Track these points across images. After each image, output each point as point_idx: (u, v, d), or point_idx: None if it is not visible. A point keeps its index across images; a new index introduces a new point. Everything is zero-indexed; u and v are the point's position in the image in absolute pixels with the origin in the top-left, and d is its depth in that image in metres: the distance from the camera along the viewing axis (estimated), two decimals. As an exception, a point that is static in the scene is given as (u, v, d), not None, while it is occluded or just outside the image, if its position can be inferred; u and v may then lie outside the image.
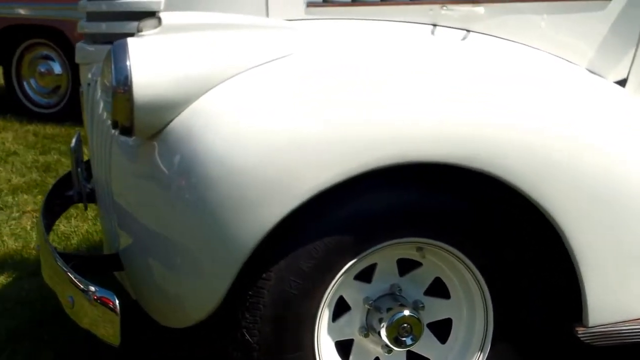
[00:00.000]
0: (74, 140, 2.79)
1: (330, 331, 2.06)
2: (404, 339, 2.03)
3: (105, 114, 2.28)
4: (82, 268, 2.16)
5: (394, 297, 2.07)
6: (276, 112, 1.84)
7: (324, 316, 2.01)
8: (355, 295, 2.07)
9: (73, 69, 6.76)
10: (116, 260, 2.22)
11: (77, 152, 2.75)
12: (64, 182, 2.95)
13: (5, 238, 3.96)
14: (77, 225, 4.14)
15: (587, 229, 1.94)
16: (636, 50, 2.17)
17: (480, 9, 2.22)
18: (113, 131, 2.17)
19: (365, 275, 2.06)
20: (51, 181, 5.03)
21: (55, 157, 5.69)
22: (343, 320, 2.08)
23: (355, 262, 1.95)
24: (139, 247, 2.06)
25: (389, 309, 2.03)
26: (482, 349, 2.11)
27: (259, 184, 1.80)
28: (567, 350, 2.13)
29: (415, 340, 2.04)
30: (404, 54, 2.05)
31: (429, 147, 1.82)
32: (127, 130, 1.92)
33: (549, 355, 2.11)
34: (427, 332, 2.10)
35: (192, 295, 1.93)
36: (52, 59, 6.93)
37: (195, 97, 1.90)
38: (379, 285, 2.08)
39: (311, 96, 1.87)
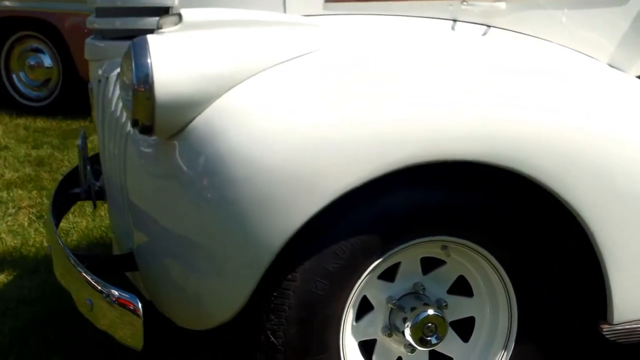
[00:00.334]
0: (80, 138, 2.74)
1: (354, 331, 2.04)
2: (428, 338, 2.01)
3: (118, 112, 2.23)
4: (96, 268, 2.11)
5: (418, 296, 2.04)
6: (302, 110, 1.80)
7: (349, 317, 1.99)
8: (378, 294, 2.04)
9: (63, 62, 6.68)
10: (130, 260, 2.18)
11: (84, 149, 2.70)
12: (68, 179, 2.90)
13: (2, 235, 3.90)
14: (76, 222, 4.08)
15: (613, 226, 1.93)
16: (657, 45, 2.16)
17: (501, 4, 2.19)
18: (128, 129, 2.13)
19: (388, 274, 2.03)
20: (45, 176, 4.98)
21: (48, 151, 5.61)
22: (366, 320, 2.05)
23: (380, 261, 1.92)
24: (158, 247, 2.02)
25: (413, 308, 2.00)
26: (505, 348, 2.09)
27: (285, 184, 1.76)
28: (590, 348, 2.11)
29: (440, 339, 2.02)
30: (430, 51, 2.01)
31: (459, 145, 1.79)
32: (147, 129, 1.88)
33: (573, 353, 2.10)
34: (449, 330, 2.08)
35: (215, 296, 1.89)
36: (42, 52, 6.84)
37: (218, 95, 1.86)
38: (402, 284, 2.05)
39: (337, 94, 1.84)
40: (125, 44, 2.31)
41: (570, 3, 2.20)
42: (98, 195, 2.67)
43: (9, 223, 4.10)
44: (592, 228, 1.91)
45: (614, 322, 2.01)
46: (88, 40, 2.49)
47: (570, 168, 1.87)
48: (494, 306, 2.08)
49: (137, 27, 2.24)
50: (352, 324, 2.02)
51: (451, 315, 2.09)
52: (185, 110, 1.86)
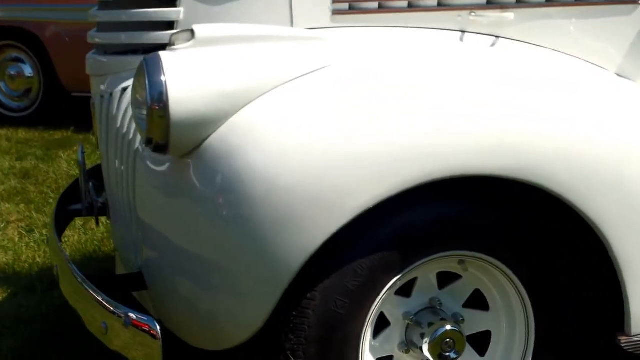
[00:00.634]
0: (79, 153, 2.69)
1: (372, 349, 2.02)
2: (447, 354, 1.99)
3: (125, 128, 2.19)
4: (105, 288, 2.07)
5: (434, 311, 2.03)
6: (319, 127, 1.78)
7: (367, 334, 1.97)
8: (395, 310, 2.03)
9: (44, 71, 6.59)
10: (138, 279, 2.15)
11: (84, 165, 2.65)
12: (66, 195, 2.85)
13: (-7, 251, 3.83)
14: (68, 235, 4.02)
15: (631, 238, 1.93)
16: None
17: (509, 15, 2.18)
18: (137, 146, 2.09)
19: (404, 290, 2.02)
20: (32, 188, 4.90)
21: (32, 162, 5.52)
22: (383, 336, 2.04)
23: (399, 277, 1.90)
24: (169, 264, 1.99)
25: (430, 324, 1.99)
26: (523, 362, 2.09)
27: (304, 202, 1.74)
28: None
29: (458, 354, 2.01)
30: (447, 65, 2.00)
31: (480, 160, 1.78)
32: (161, 148, 1.85)
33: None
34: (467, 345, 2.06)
35: (234, 316, 1.86)
36: (23, 61, 6.73)
37: (233, 112, 1.84)
38: (419, 299, 2.04)
39: (353, 109, 1.82)
40: (129, 59, 2.30)
41: (578, 13, 2.20)
42: (100, 212, 2.63)
43: (-2, 238, 4.03)
44: (610, 240, 1.91)
45: (632, 334, 2.01)
46: (89, 55, 2.44)
47: (588, 182, 1.87)
48: (511, 320, 2.07)
49: (143, 41, 2.21)
50: (370, 342, 2.00)
51: (468, 330, 2.07)
52: (200, 128, 1.83)
